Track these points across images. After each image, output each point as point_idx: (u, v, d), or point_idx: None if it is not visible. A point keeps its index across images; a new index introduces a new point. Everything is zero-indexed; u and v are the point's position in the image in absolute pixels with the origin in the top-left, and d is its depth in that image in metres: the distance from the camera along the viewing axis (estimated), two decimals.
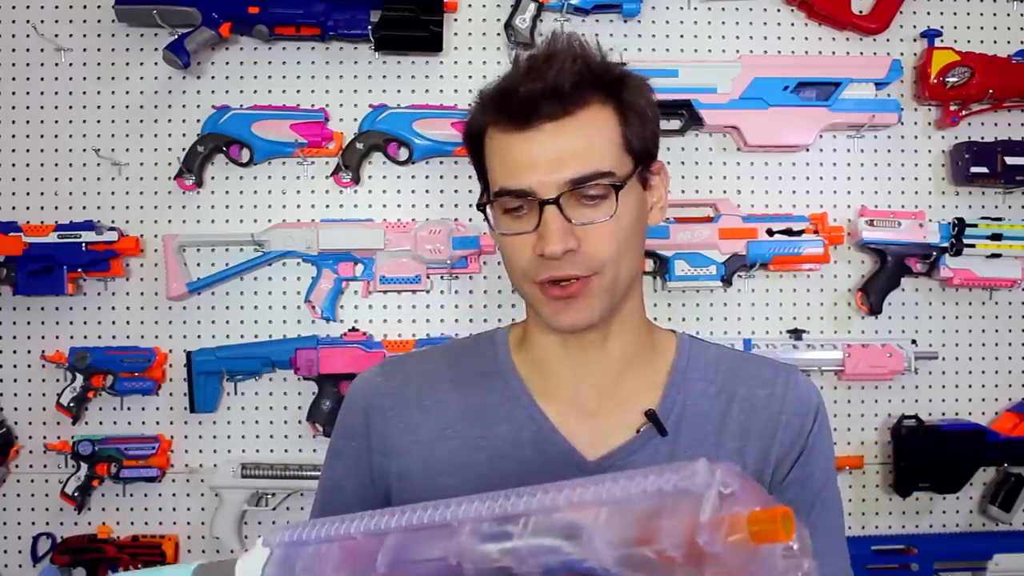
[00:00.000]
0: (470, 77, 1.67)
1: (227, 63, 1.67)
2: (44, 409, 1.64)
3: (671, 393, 0.90)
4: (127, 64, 1.66)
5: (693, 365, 0.92)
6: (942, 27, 1.71)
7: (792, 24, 1.72)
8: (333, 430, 0.98)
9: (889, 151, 1.72)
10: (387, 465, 0.90)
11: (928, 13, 1.73)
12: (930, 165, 1.73)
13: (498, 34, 1.67)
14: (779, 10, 1.72)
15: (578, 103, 0.84)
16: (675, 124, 1.65)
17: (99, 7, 1.65)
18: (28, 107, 1.65)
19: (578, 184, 0.82)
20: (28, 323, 1.64)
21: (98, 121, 1.65)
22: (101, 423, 1.64)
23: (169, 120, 1.66)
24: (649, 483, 0.52)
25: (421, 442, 0.90)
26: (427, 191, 1.67)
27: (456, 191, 1.67)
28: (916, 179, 1.73)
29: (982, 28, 1.74)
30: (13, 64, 1.65)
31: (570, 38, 0.86)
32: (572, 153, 0.83)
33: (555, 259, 0.82)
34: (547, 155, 0.83)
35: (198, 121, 1.64)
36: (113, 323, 1.65)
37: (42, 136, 1.65)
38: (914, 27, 1.72)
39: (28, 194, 1.65)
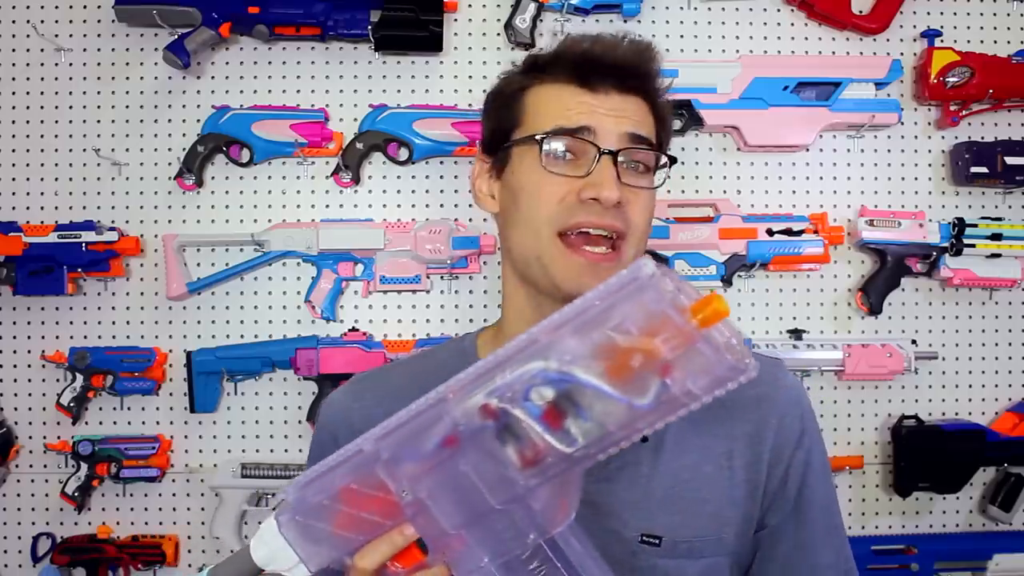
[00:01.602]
0: (470, 77, 1.67)
1: (227, 63, 1.66)
2: (44, 409, 1.64)
3: None
4: (127, 64, 1.66)
5: None
6: (942, 27, 1.71)
7: (792, 24, 1.72)
8: (308, 453, 0.97)
9: (889, 151, 1.72)
10: None
11: (928, 13, 1.73)
12: (930, 165, 1.73)
13: (498, 34, 1.67)
14: (779, 10, 1.72)
15: (641, 87, 0.88)
16: (675, 124, 1.65)
17: (99, 7, 1.65)
18: (28, 107, 1.65)
19: (636, 141, 0.85)
20: (28, 323, 1.64)
21: (98, 121, 1.65)
22: (101, 423, 1.64)
23: (169, 120, 1.66)
24: (603, 287, 0.56)
25: None
26: (427, 191, 1.67)
27: (456, 191, 1.67)
28: (916, 179, 1.73)
29: (982, 28, 1.74)
30: (13, 64, 1.65)
31: (640, 39, 0.90)
32: (632, 112, 0.86)
33: (609, 207, 0.82)
34: (610, 106, 0.85)
35: (198, 121, 1.64)
36: (113, 323, 1.65)
37: (42, 136, 1.65)
38: (914, 27, 1.72)
39: (28, 194, 1.65)
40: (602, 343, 0.56)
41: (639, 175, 0.86)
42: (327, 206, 1.66)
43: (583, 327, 0.56)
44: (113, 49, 1.66)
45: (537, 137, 0.85)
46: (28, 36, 1.63)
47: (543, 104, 0.87)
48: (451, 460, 0.62)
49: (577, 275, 0.83)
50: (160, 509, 1.65)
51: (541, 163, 0.84)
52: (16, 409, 1.64)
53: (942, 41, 1.69)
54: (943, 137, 1.73)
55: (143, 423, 1.64)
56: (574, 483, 0.62)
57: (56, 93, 1.65)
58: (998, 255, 1.66)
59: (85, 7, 1.65)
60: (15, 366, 1.64)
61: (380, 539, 0.65)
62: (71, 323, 1.64)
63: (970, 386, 1.73)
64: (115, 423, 1.64)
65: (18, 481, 1.64)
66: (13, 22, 1.65)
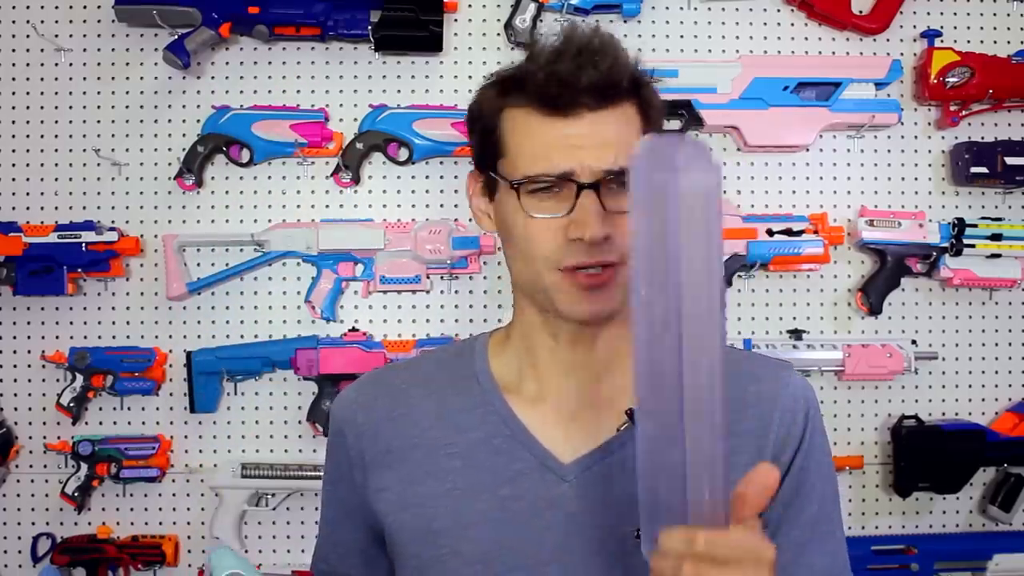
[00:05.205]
0: (470, 77, 1.67)
1: (227, 63, 1.66)
2: (44, 409, 1.64)
3: None
4: (127, 64, 1.65)
5: None
6: (942, 27, 1.71)
7: (792, 24, 1.72)
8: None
9: (889, 151, 1.72)
10: (365, 479, 0.90)
11: (928, 13, 1.73)
12: (930, 165, 1.73)
13: (498, 34, 1.67)
14: (779, 10, 1.71)
15: (616, 98, 0.84)
16: (675, 124, 1.65)
17: (99, 7, 1.65)
18: (28, 107, 1.65)
19: (618, 173, 0.82)
20: (28, 323, 1.64)
21: (98, 121, 1.65)
22: (101, 423, 1.64)
23: (169, 120, 1.66)
24: None
25: (392, 454, 0.90)
26: (427, 191, 1.67)
27: (456, 191, 1.67)
28: (916, 179, 1.73)
29: (982, 28, 1.74)
30: (13, 64, 1.65)
31: (597, 32, 0.86)
32: (614, 141, 0.83)
33: (595, 245, 0.81)
34: (591, 140, 0.83)
35: (198, 121, 1.64)
36: (113, 323, 1.65)
37: (42, 136, 1.65)
38: (914, 27, 1.72)
39: (28, 194, 1.65)
40: None
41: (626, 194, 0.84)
42: (327, 206, 1.66)
43: None
44: (113, 49, 1.65)
45: (514, 185, 0.84)
46: (28, 36, 1.63)
47: (520, 134, 0.85)
48: None
49: (579, 303, 0.84)
50: (160, 509, 1.65)
51: (523, 208, 0.84)
52: (16, 409, 1.64)
53: (942, 41, 1.69)
54: (943, 137, 1.73)
55: (143, 423, 1.64)
56: None
57: (56, 93, 1.65)
58: (998, 255, 1.66)
59: (85, 7, 1.65)
60: (15, 366, 1.64)
61: None
62: (71, 323, 1.64)
63: (970, 386, 1.73)
64: (115, 423, 1.64)
65: (18, 481, 1.64)
66: (13, 22, 1.64)
